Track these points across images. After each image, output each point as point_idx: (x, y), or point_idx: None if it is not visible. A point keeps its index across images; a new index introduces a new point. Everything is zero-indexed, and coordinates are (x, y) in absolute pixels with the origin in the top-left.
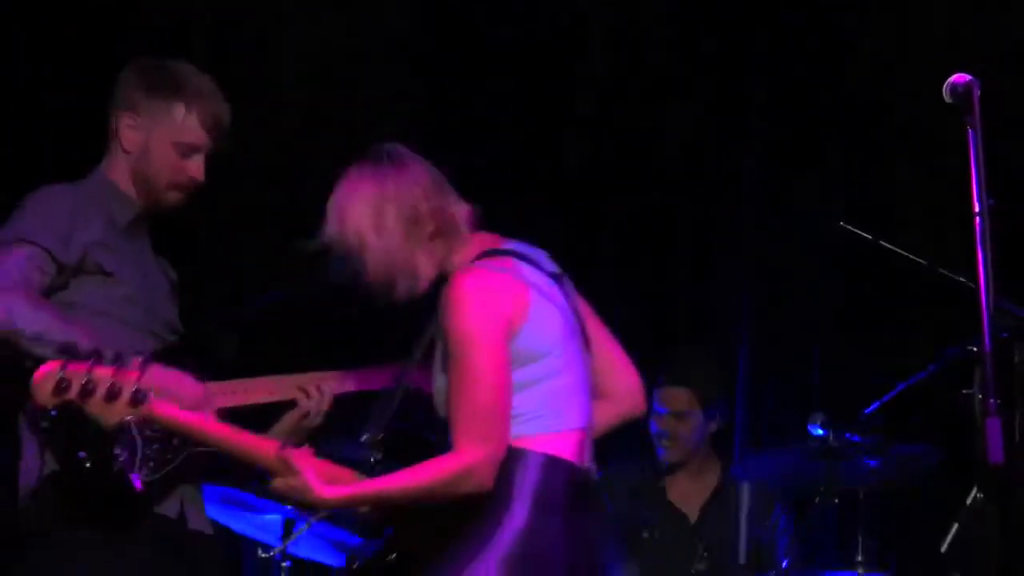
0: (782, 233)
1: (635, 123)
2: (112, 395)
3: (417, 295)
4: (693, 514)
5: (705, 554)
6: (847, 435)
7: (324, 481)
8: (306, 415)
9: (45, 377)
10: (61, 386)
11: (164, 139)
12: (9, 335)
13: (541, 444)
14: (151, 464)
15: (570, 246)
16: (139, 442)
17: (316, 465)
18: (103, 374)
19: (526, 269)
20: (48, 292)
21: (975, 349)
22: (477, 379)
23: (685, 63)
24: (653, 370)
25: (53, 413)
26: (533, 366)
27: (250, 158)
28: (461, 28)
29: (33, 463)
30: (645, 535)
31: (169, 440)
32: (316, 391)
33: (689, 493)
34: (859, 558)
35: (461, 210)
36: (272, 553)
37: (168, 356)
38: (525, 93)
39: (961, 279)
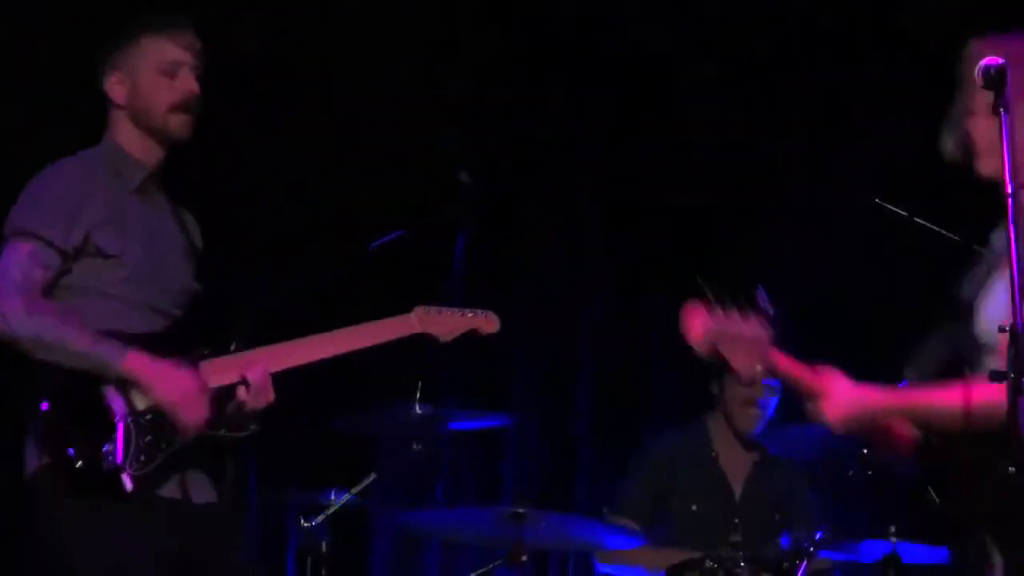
0: (815, 210)
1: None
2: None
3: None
4: (738, 485)
5: (738, 521)
6: None
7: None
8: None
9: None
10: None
11: (148, 71)
12: (10, 340)
13: None
14: (142, 458)
15: (607, 234)
16: (133, 435)
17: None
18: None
19: None
20: (53, 280)
21: (1007, 327)
22: None
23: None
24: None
25: (44, 407)
26: None
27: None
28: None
29: (32, 451)
30: (693, 508)
31: (162, 430)
32: (258, 377)
33: (738, 462)
34: (892, 529)
35: None
36: (313, 522)
37: (173, 332)
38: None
39: None
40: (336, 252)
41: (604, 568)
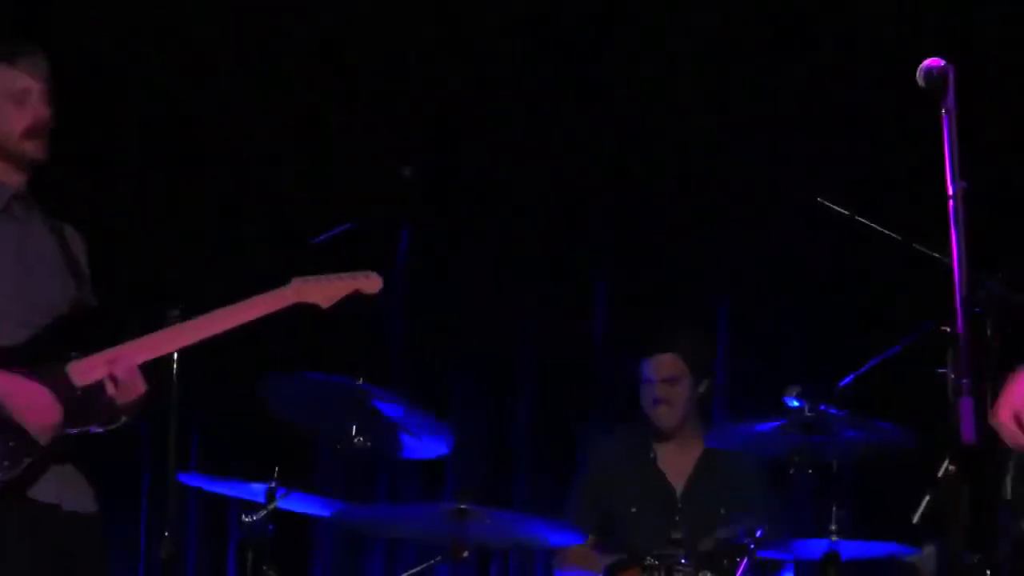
0: (762, 207)
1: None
2: None
3: None
4: (679, 485)
5: (678, 519)
6: (822, 407)
7: None
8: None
9: None
10: None
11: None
12: None
13: None
14: (6, 462)
15: (554, 217)
16: None
17: None
18: None
19: None
20: None
21: (949, 329)
22: None
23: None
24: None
25: None
26: None
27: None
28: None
29: None
30: (633, 510)
31: (25, 434)
32: (123, 371)
33: (677, 462)
34: (832, 528)
35: None
36: (255, 517)
37: (37, 342)
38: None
39: (936, 255)
40: (278, 247)
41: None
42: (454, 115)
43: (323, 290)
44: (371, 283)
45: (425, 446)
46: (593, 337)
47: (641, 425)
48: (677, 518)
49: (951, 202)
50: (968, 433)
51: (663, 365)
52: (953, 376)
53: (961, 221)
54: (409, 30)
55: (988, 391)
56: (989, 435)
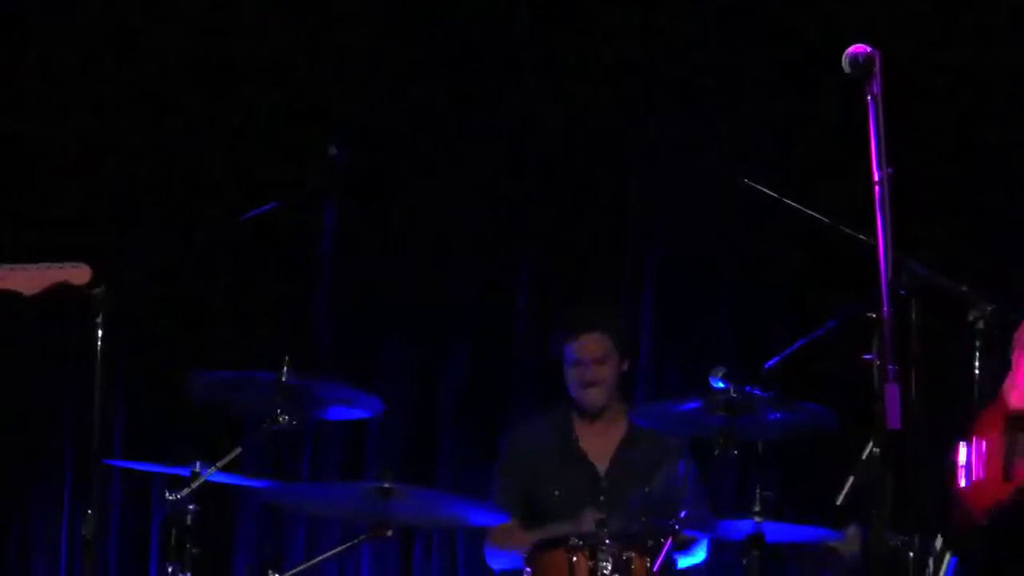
0: (688, 188)
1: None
2: None
3: None
4: (603, 466)
5: (603, 498)
6: (747, 389)
7: None
8: None
9: None
10: None
11: None
12: None
13: None
14: None
15: (480, 194)
16: None
17: None
18: None
19: None
20: None
21: (875, 315)
22: None
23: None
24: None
25: None
26: None
27: None
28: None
29: None
30: (556, 493)
31: None
32: None
33: (600, 442)
34: (756, 508)
35: None
36: (178, 495)
37: None
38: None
39: (862, 236)
40: (206, 224)
41: (493, 553)
42: (379, 92)
43: (27, 278)
44: (79, 274)
45: (352, 411)
46: (517, 317)
47: (562, 407)
48: (601, 497)
49: (876, 188)
50: (894, 421)
51: (591, 345)
52: (879, 362)
53: (887, 206)
54: (338, 10)
55: (913, 375)
56: (913, 420)
